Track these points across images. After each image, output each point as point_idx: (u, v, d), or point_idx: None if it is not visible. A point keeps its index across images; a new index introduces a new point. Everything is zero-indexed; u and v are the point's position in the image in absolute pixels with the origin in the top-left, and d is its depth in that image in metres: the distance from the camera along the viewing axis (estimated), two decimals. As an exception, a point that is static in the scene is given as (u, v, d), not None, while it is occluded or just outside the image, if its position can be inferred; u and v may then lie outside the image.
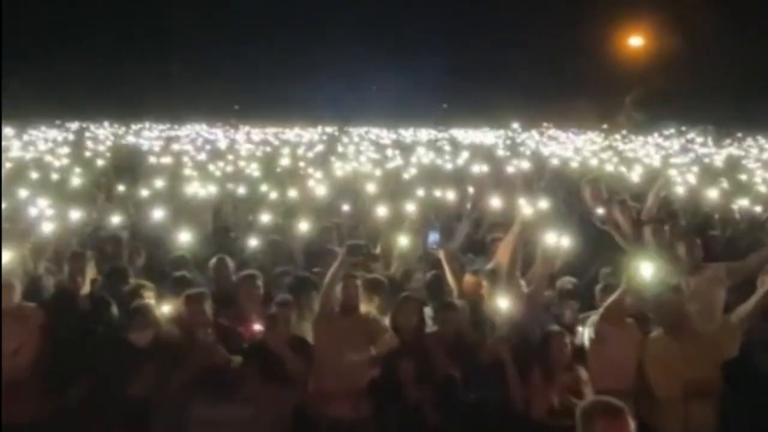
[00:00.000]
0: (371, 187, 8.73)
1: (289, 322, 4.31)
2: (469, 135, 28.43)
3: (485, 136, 28.34)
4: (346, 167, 12.10)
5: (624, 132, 29.38)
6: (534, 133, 28.79)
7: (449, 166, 12.97)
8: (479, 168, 10.79)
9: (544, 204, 6.20)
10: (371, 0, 47.72)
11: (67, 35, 42.29)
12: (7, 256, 4.50)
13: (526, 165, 11.78)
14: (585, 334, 4.36)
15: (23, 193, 7.56)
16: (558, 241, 4.91)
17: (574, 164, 13.15)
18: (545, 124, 34.41)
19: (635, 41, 38.92)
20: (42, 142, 18.05)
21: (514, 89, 38.45)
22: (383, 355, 4.27)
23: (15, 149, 15.23)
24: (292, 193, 8.34)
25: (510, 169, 10.86)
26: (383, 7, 47.43)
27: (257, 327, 4.40)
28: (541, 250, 4.81)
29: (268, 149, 17.35)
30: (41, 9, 42.14)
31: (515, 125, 33.20)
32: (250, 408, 3.86)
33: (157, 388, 3.90)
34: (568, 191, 8.26)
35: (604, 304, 4.36)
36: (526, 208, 5.31)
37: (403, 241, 5.64)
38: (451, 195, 7.95)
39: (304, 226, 6.11)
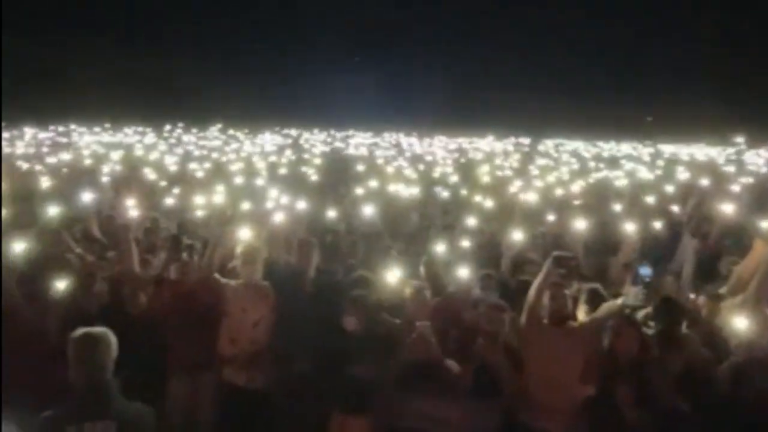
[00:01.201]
0: (575, 199, 8.43)
1: (502, 328, 4.26)
2: (679, 149, 25.89)
3: (700, 150, 25.55)
4: (549, 177, 11.79)
5: None
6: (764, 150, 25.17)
7: (663, 181, 11.95)
8: (700, 182, 9.81)
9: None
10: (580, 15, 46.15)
11: (288, 52, 47.42)
12: (247, 236, 5.09)
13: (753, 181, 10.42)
14: None
15: (260, 186, 8.53)
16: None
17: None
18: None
19: None
20: (269, 145, 20.34)
21: (732, 100, 34.33)
22: (599, 375, 4.01)
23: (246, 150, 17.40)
24: (495, 200, 8.33)
25: (736, 187, 9.71)
26: (592, 19, 45.63)
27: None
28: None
29: (462, 158, 17.54)
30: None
31: (739, 140, 29.34)
32: (463, 410, 3.84)
33: (376, 373, 4.06)
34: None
35: None
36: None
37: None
38: (672, 210, 7.29)
39: (512, 234, 6.03)
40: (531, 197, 8.53)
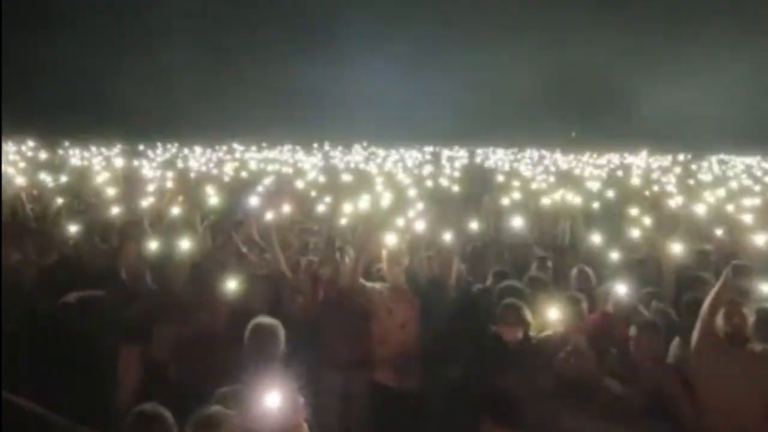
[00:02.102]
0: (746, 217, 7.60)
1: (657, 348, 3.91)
2: None
3: None
4: (716, 193, 10.79)
5: None
6: None
7: None
8: None
9: None
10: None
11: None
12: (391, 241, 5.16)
13: None
14: None
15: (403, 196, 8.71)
16: None
17: None
18: None
19: None
20: (410, 161, 20.82)
21: None
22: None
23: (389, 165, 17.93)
24: (655, 215, 7.77)
25: None
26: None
27: None
28: None
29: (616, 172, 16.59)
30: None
31: None
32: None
33: (529, 385, 3.90)
34: None
35: None
36: None
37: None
38: None
39: (676, 249, 5.54)
40: (696, 212, 7.82)
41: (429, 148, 31.52)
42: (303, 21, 52.21)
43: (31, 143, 19.24)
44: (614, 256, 5.84)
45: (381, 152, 27.10)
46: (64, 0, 43.17)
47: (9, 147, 17.85)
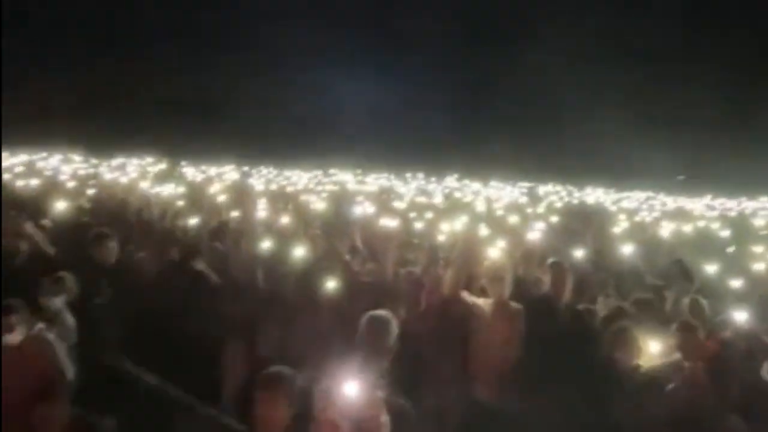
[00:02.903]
0: None
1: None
2: None
3: None
4: None
5: None
6: None
7: None
8: None
9: None
10: None
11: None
12: (495, 255, 5.10)
13: None
14: None
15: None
16: None
17: None
18: None
19: None
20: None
21: None
22: None
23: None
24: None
25: None
26: None
27: None
28: None
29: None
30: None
31: None
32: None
33: (636, 415, 3.71)
34: None
35: None
36: None
37: None
38: None
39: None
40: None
41: (525, 184, 31.15)
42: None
43: (149, 158, 21.08)
44: (735, 286, 5.47)
45: (475, 185, 27.05)
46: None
47: (132, 161, 19.68)
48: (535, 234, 6.22)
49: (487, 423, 4.38)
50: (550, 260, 5.27)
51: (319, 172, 25.64)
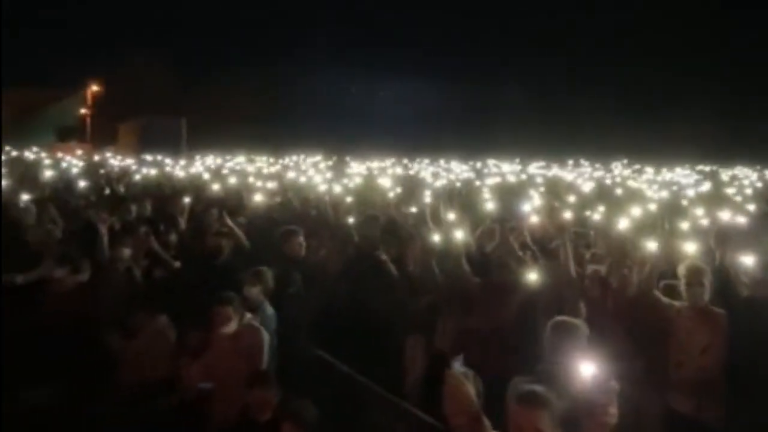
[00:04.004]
0: None
1: None
2: None
3: None
4: None
5: None
6: None
7: None
8: None
9: None
10: None
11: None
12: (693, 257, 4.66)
13: None
14: None
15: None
16: None
17: None
18: None
19: None
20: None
21: None
22: None
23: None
24: None
25: None
26: None
27: None
28: None
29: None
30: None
31: None
32: None
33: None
34: None
35: None
36: None
37: None
38: None
39: None
40: None
41: (703, 167, 28.32)
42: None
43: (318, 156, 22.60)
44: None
45: (647, 170, 25.10)
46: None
47: (305, 160, 21.39)
48: (732, 222, 5.57)
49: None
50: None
51: (477, 163, 25.54)
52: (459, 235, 5.31)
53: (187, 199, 7.93)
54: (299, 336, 4.96)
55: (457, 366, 2.76)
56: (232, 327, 4.23)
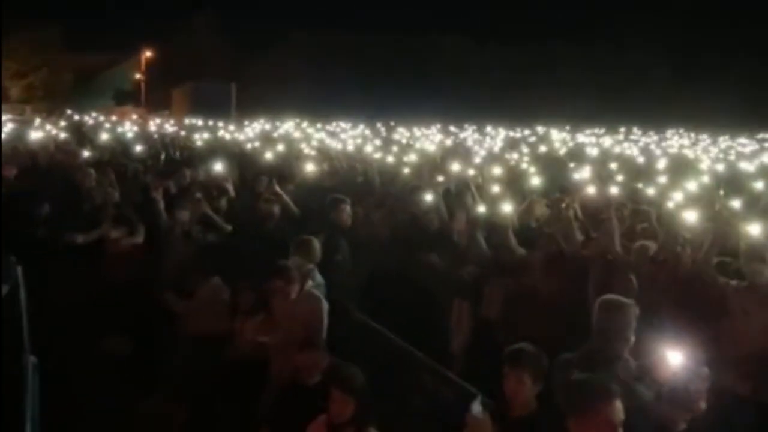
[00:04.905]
0: None
1: None
2: None
3: None
4: None
5: None
6: None
7: None
8: None
9: None
10: None
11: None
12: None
13: None
14: None
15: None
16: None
17: None
18: None
19: None
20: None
21: None
22: None
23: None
24: None
25: None
26: None
27: None
28: None
29: None
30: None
31: None
32: None
33: None
34: None
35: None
36: None
37: None
38: None
39: None
40: None
41: (762, 135, 27.01)
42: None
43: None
44: None
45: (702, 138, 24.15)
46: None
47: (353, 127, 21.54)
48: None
49: (736, 414, 3.99)
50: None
51: (525, 130, 25.04)
52: (506, 207, 5.27)
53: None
54: (346, 303, 5.08)
55: (476, 408, 2.74)
56: (292, 293, 4.37)
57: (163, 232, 6.14)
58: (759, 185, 7.86)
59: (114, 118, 25.64)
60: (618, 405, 2.48)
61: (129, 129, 17.14)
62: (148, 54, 42.32)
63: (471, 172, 8.31)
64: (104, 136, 13.08)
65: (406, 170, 8.45)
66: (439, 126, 24.56)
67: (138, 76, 42.59)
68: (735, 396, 4.05)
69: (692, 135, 26.47)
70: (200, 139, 14.49)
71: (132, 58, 43.48)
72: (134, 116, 30.05)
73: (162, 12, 51.42)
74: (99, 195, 7.02)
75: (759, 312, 4.12)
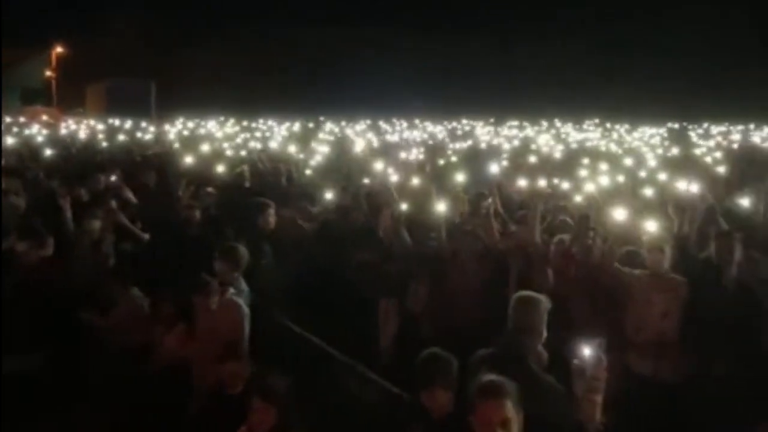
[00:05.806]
0: None
1: None
2: None
3: None
4: None
5: None
6: None
7: None
8: None
9: None
10: None
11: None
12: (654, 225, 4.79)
13: None
14: None
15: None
16: None
17: None
18: None
19: None
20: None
21: None
22: None
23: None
24: None
25: None
26: None
27: None
28: None
29: None
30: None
31: None
32: None
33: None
34: None
35: None
36: None
37: None
38: None
39: None
40: None
41: (672, 124, 28.72)
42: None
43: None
44: None
45: (618, 128, 25.37)
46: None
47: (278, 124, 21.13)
48: (695, 188, 5.74)
49: (639, 393, 4.25)
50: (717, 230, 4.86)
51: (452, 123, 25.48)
52: (440, 206, 5.33)
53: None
54: (271, 309, 5.01)
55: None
56: (212, 305, 4.27)
57: (70, 242, 5.80)
58: (662, 177, 8.32)
59: (22, 119, 24.08)
60: (501, 404, 2.52)
61: (38, 132, 16.14)
62: (60, 49, 39.92)
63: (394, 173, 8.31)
64: (10, 140, 12.25)
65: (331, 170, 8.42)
66: (368, 122, 24.59)
67: (48, 73, 40.10)
68: (637, 376, 4.31)
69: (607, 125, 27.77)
70: (107, 140, 13.83)
71: (41, 54, 40.82)
72: (44, 117, 28.33)
73: (76, 4, 48.44)
74: (2, 204, 6.57)
75: (660, 300, 4.38)
